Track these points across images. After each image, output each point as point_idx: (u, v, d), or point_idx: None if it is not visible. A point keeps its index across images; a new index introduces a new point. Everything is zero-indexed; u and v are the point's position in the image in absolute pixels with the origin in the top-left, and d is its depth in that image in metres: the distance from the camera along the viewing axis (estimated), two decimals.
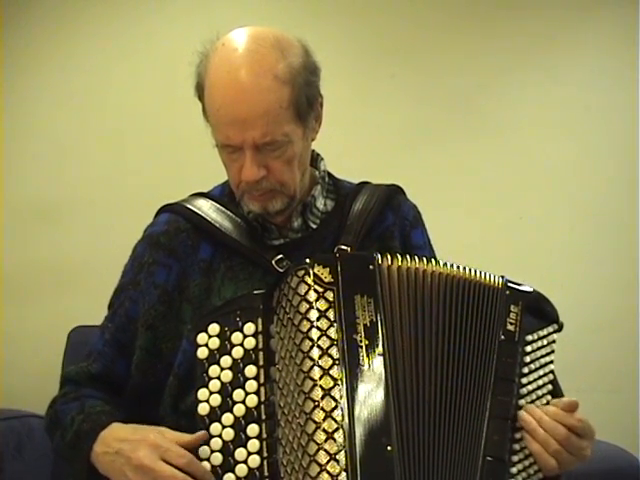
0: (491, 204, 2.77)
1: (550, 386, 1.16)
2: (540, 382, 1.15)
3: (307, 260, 1.13)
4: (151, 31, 2.77)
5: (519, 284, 1.20)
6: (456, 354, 1.12)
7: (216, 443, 1.09)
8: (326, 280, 1.10)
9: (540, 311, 1.19)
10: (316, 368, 1.05)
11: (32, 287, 2.67)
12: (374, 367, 1.06)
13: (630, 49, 2.73)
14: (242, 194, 1.24)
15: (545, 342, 1.18)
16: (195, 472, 1.06)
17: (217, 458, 1.08)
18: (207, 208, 1.30)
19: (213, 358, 1.13)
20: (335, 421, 1.02)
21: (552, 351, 1.18)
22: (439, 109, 2.79)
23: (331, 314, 1.08)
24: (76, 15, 2.74)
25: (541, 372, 1.16)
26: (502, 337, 1.14)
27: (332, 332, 1.07)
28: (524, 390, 1.13)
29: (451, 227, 2.50)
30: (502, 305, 1.16)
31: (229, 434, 1.09)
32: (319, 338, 1.06)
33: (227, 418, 1.10)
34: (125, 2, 2.76)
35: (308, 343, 1.06)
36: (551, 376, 1.17)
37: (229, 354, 1.12)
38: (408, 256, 1.17)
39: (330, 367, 1.05)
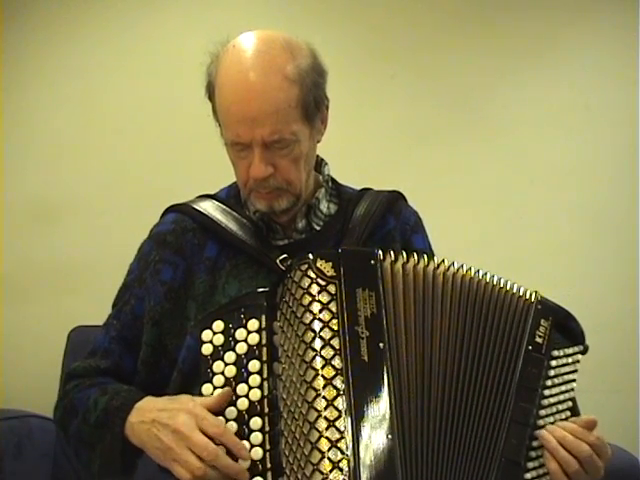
0: (491, 204, 2.77)
1: (570, 403, 1.17)
2: (561, 397, 1.16)
3: (310, 255, 1.14)
4: (151, 32, 2.77)
5: (551, 301, 1.21)
6: (471, 353, 1.14)
7: None
8: (328, 274, 1.12)
9: (568, 330, 1.21)
10: (318, 358, 1.06)
11: (32, 287, 2.68)
12: (375, 358, 1.07)
13: (630, 49, 2.73)
14: (249, 192, 1.26)
15: (570, 360, 1.19)
16: (228, 442, 1.07)
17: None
18: (213, 209, 1.32)
19: (217, 354, 1.14)
20: (337, 409, 1.03)
21: (575, 370, 1.19)
22: (439, 109, 2.79)
23: (333, 307, 1.10)
24: (76, 16, 2.75)
25: (563, 388, 1.17)
26: (530, 347, 1.16)
27: (334, 324, 1.08)
28: (545, 402, 1.14)
29: (451, 227, 2.51)
30: (532, 317, 1.18)
31: (232, 427, 1.09)
32: (321, 329, 1.08)
33: (231, 412, 1.10)
34: (124, 4, 2.77)
35: (310, 334, 1.08)
36: (572, 394, 1.18)
37: (233, 350, 1.13)
38: (416, 255, 1.19)
39: (332, 357, 1.06)
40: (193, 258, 1.30)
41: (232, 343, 1.14)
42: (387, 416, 1.04)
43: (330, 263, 1.13)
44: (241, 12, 2.72)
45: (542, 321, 1.18)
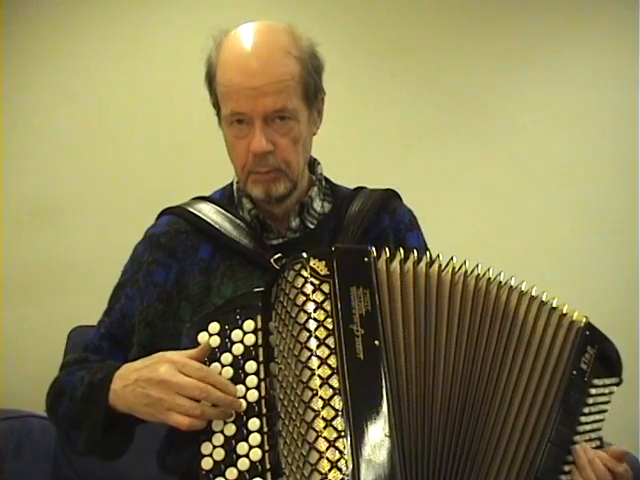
0: (491, 204, 2.77)
1: (600, 433, 1.17)
2: (595, 426, 1.16)
3: (304, 254, 1.14)
4: (151, 32, 2.77)
5: (597, 328, 1.21)
6: (487, 358, 1.13)
7: (217, 438, 1.10)
8: (322, 273, 1.12)
9: (609, 360, 1.21)
10: (314, 358, 1.06)
11: (32, 287, 2.68)
12: (370, 355, 1.07)
13: (630, 49, 2.72)
14: (247, 176, 1.27)
15: (607, 391, 1.19)
16: (213, 383, 1.08)
17: (219, 453, 1.09)
18: (207, 211, 1.33)
19: (214, 356, 1.13)
20: (334, 408, 1.03)
21: (609, 401, 1.20)
22: (439, 109, 2.79)
23: (327, 305, 1.09)
24: (76, 15, 2.75)
25: (597, 417, 1.17)
26: (574, 372, 1.15)
27: (329, 323, 1.08)
28: (581, 428, 1.14)
29: (451, 227, 2.51)
30: (579, 341, 1.17)
31: (231, 429, 1.09)
32: (316, 329, 1.08)
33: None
34: (125, 4, 2.76)
35: (305, 334, 1.08)
36: (602, 424, 1.18)
37: (229, 351, 1.13)
38: (416, 253, 1.18)
39: (327, 356, 1.06)
40: (186, 260, 1.30)
41: (228, 344, 1.14)
42: (385, 413, 1.03)
43: (324, 262, 1.13)
44: (241, 12, 2.70)
45: (588, 348, 1.17)
